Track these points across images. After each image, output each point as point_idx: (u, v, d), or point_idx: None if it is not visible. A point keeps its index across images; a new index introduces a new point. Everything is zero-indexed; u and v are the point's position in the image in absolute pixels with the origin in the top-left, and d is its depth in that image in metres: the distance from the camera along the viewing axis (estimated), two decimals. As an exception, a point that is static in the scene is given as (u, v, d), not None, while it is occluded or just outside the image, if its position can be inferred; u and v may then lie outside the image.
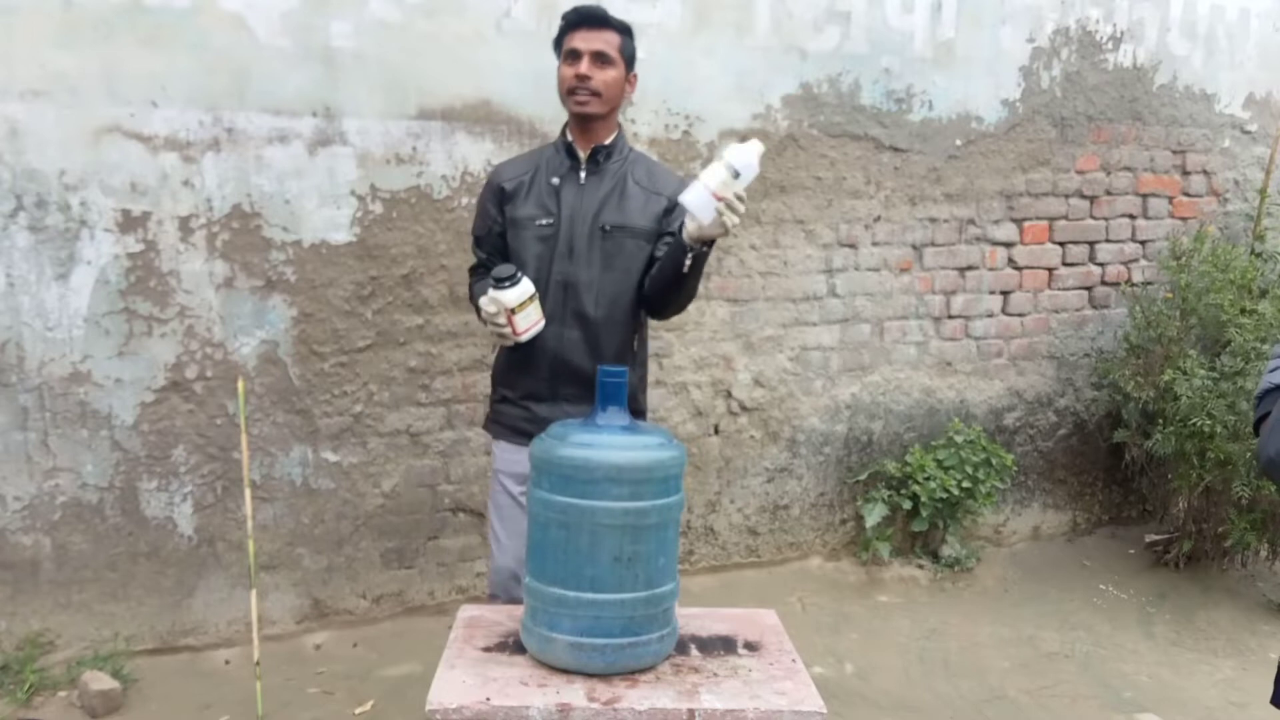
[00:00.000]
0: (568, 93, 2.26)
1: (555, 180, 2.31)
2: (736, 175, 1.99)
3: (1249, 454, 3.56)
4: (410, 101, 3.10)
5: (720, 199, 1.99)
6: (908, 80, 3.75)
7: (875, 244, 3.84)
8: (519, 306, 2.16)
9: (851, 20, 3.62)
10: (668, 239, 2.29)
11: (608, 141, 2.32)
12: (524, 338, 2.21)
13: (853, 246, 3.80)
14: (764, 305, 3.70)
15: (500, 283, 2.15)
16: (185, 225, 2.94)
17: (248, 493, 2.63)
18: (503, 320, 2.17)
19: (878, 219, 3.82)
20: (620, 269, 2.30)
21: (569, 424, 1.90)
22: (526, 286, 2.17)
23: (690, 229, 2.08)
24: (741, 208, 2.02)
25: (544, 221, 2.29)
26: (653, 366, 3.55)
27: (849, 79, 3.66)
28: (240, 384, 2.63)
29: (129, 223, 2.89)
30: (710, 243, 2.14)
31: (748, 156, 2.00)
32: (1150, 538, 4.20)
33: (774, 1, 3.49)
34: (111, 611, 3.04)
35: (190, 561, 3.10)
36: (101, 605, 3.03)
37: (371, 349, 3.19)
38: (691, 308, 3.54)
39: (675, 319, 3.53)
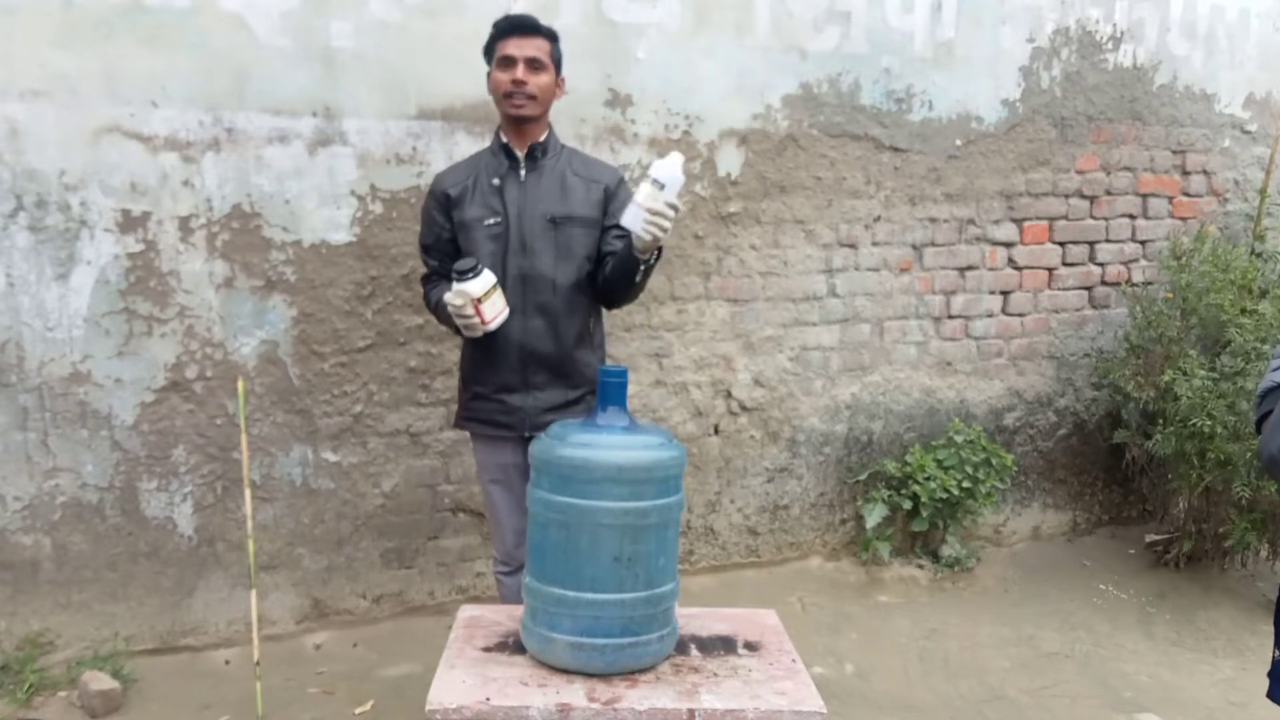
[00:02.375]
0: (504, 96, 2.38)
1: (496, 181, 2.42)
2: (661, 187, 2.16)
3: (1249, 454, 3.56)
4: (410, 101, 3.10)
5: (647, 210, 2.15)
6: (908, 80, 3.75)
7: (875, 244, 3.84)
8: (484, 295, 2.23)
9: (851, 20, 3.62)
10: (615, 232, 2.43)
11: (542, 139, 2.44)
12: (491, 326, 2.27)
13: (853, 246, 3.80)
14: (764, 305, 3.70)
15: (463, 275, 2.22)
16: (185, 225, 2.95)
17: (248, 493, 2.63)
18: (470, 311, 2.24)
19: (878, 219, 3.82)
20: (573, 257, 2.42)
21: (569, 424, 1.91)
22: (489, 276, 2.25)
23: (635, 242, 2.24)
24: (669, 215, 2.19)
25: (492, 221, 2.41)
26: (653, 366, 3.55)
27: (849, 79, 3.66)
28: (240, 384, 2.63)
29: (129, 223, 2.89)
30: (659, 250, 2.32)
31: (668, 167, 2.17)
32: (1150, 538, 4.20)
33: (774, 1, 3.49)
34: (111, 611, 3.04)
35: (190, 561, 3.10)
36: (101, 605, 3.03)
37: (371, 349, 3.19)
38: (691, 308, 3.57)
39: (675, 319, 3.55)
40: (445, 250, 2.48)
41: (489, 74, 2.44)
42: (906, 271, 3.91)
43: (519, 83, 2.34)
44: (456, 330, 2.40)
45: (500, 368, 2.43)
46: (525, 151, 2.43)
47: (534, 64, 2.36)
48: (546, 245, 2.40)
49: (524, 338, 2.40)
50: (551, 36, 2.43)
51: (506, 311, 2.31)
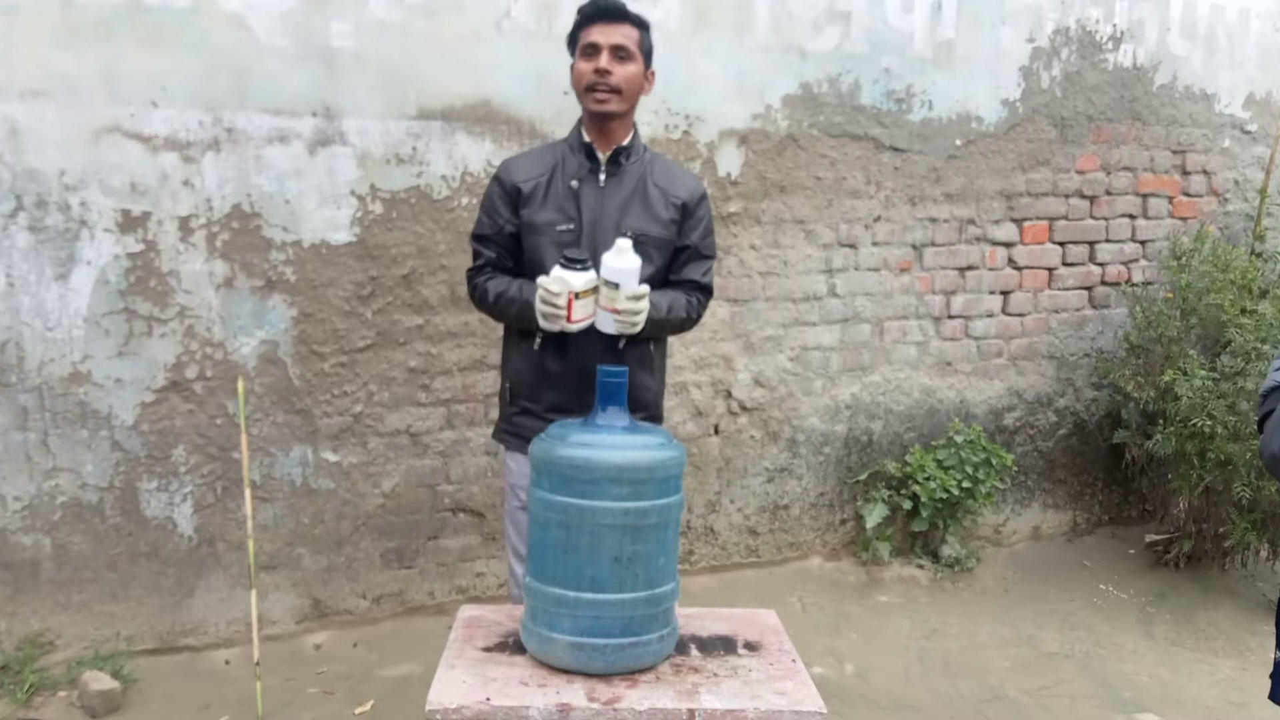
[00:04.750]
0: (586, 89, 2.17)
1: (575, 183, 2.22)
2: (616, 285, 2.05)
3: (1249, 454, 3.56)
4: (410, 101, 3.10)
5: (614, 312, 2.06)
6: (908, 80, 3.75)
7: (875, 244, 3.84)
8: (583, 293, 2.05)
9: (851, 20, 3.62)
10: (686, 255, 2.30)
11: (626, 142, 2.24)
12: (574, 327, 2.09)
13: (853, 246, 3.80)
14: (764, 305, 3.70)
15: (572, 264, 2.06)
16: (185, 225, 2.95)
17: (248, 493, 2.63)
18: (563, 303, 2.04)
19: (878, 219, 3.82)
20: (645, 278, 2.20)
21: (569, 424, 1.90)
22: (594, 276, 2.07)
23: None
24: (638, 309, 2.07)
25: (564, 227, 2.21)
26: (653, 366, 3.55)
27: (849, 79, 3.66)
28: (240, 384, 2.63)
29: (129, 223, 2.89)
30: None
31: (617, 262, 2.05)
32: (1150, 538, 4.20)
33: (774, 1, 3.49)
34: (111, 611, 3.04)
35: (190, 561, 3.10)
36: (101, 605, 3.03)
37: (371, 349, 3.19)
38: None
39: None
40: (505, 244, 2.27)
41: (572, 65, 2.23)
42: (906, 271, 3.91)
43: (602, 72, 2.13)
44: (513, 322, 2.23)
45: (556, 388, 2.25)
46: (609, 155, 2.22)
47: (620, 53, 2.14)
48: None
49: (584, 357, 2.19)
50: (641, 24, 2.21)
51: (591, 321, 2.11)
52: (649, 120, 3.38)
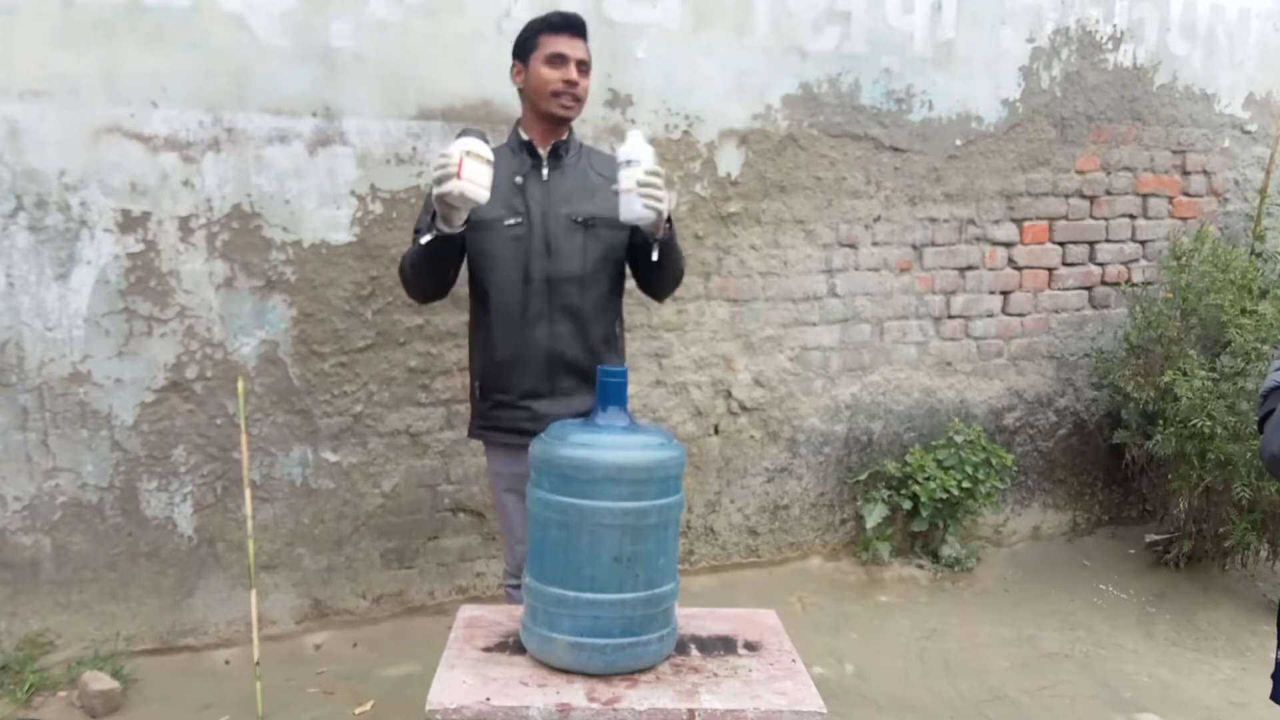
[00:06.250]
0: (553, 95, 2.29)
1: (519, 180, 2.34)
2: (635, 163, 2.11)
3: (1249, 454, 3.56)
4: (410, 101, 3.10)
5: (636, 188, 2.09)
6: (908, 80, 3.75)
7: (875, 244, 3.84)
8: (474, 154, 2.06)
9: (851, 20, 3.62)
10: (639, 232, 2.35)
11: (565, 137, 2.38)
12: (463, 185, 2.04)
13: (853, 246, 3.80)
14: (764, 305, 3.70)
15: (466, 132, 2.11)
16: (185, 225, 2.95)
17: (248, 493, 2.63)
18: (454, 161, 2.03)
19: (878, 219, 3.82)
20: (602, 259, 2.35)
21: (569, 424, 1.90)
22: (486, 146, 2.10)
23: (643, 225, 2.17)
24: (657, 183, 2.10)
25: (512, 221, 2.31)
26: (652, 366, 3.55)
27: (849, 79, 3.66)
28: (240, 384, 2.63)
29: (129, 223, 2.89)
30: (669, 223, 2.23)
31: (631, 145, 2.13)
32: (1150, 538, 4.20)
33: (774, 1, 3.49)
34: (111, 611, 3.04)
35: (190, 561, 3.10)
36: (101, 605, 3.03)
37: (371, 349, 3.19)
38: (691, 308, 3.57)
39: (675, 319, 3.55)
40: None
41: (524, 68, 2.33)
42: (906, 271, 3.91)
43: (572, 83, 2.29)
44: (423, 254, 2.23)
45: (526, 374, 2.34)
46: (549, 150, 2.36)
47: (583, 67, 2.32)
48: (573, 247, 2.32)
49: (551, 343, 2.32)
50: (587, 38, 2.39)
51: (485, 193, 2.08)
52: (649, 120, 3.38)
